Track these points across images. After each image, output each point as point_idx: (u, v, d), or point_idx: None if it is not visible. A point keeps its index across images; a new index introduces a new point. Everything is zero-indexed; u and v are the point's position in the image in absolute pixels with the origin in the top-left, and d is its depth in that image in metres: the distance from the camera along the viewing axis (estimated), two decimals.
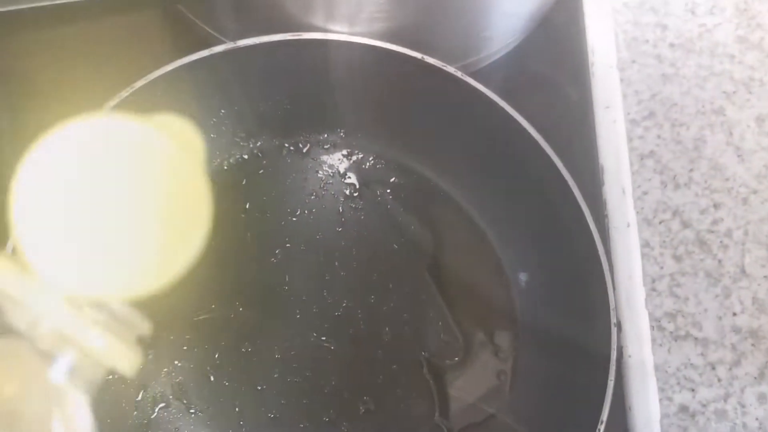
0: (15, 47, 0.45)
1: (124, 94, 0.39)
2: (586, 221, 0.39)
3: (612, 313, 0.37)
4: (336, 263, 0.43)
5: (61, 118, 0.37)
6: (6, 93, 0.45)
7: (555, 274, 0.41)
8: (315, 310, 0.42)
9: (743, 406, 0.41)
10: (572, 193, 0.40)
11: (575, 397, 0.37)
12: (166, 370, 0.40)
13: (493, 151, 0.43)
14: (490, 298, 0.43)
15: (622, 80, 0.49)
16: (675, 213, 0.46)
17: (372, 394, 0.41)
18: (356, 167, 0.46)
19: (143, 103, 0.39)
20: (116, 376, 0.39)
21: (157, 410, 0.40)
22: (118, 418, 0.39)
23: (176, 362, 0.40)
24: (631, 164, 0.46)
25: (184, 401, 0.40)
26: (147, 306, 0.40)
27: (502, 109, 0.41)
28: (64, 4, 0.33)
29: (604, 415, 0.34)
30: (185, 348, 0.41)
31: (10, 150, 0.40)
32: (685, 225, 0.45)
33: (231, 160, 0.45)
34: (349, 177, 0.45)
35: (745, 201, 0.46)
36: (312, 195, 0.45)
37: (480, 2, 0.43)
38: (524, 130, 0.41)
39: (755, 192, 0.46)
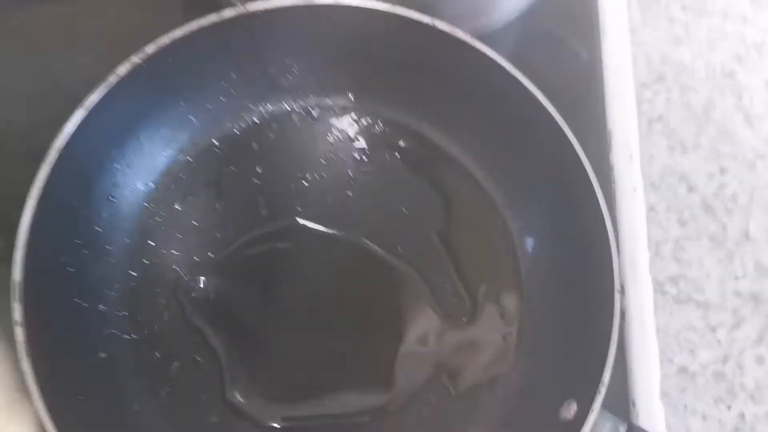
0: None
1: (136, 59, 0.39)
2: (592, 187, 0.39)
3: (616, 279, 0.38)
4: (346, 227, 0.44)
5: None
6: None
7: (561, 239, 0.42)
8: (324, 270, 0.43)
9: (741, 368, 0.42)
10: (579, 158, 0.40)
11: (578, 359, 0.39)
12: (181, 329, 0.42)
13: (502, 116, 0.44)
14: (497, 261, 0.44)
15: (632, 42, 0.49)
16: (681, 177, 0.46)
17: (377, 353, 0.43)
18: (365, 131, 0.46)
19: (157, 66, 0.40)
20: None
21: (173, 367, 0.41)
22: (135, 377, 0.41)
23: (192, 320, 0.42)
24: (639, 128, 0.47)
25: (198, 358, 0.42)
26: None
27: (511, 74, 0.41)
28: None
29: (606, 377, 0.36)
30: (199, 306, 0.42)
31: None
32: (691, 189, 0.46)
33: (242, 124, 0.45)
34: (359, 141, 0.46)
35: (751, 166, 0.46)
36: (322, 159, 0.46)
37: None
38: (532, 95, 0.41)
39: (762, 157, 0.47)
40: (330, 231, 0.44)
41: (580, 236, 0.41)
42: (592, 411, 0.35)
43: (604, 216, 0.39)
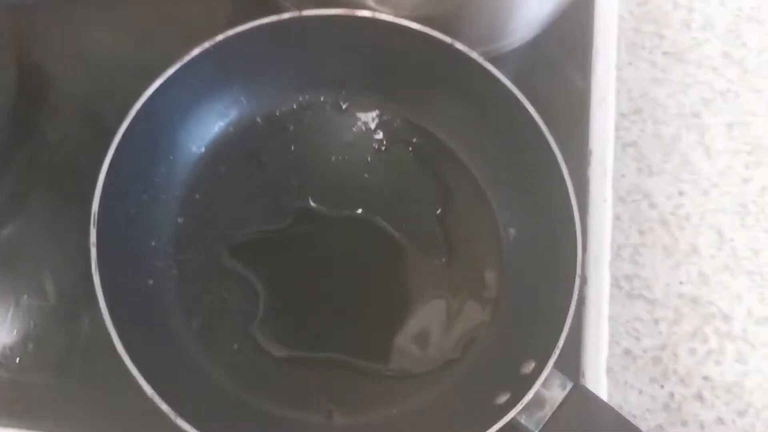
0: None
1: (207, 44, 0.48)
2: (568, 193, 0.47)
3: (578, 267, 0.46)
4: (361, 202, 0.52)
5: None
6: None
7: (538, 231, 0.50)
8: (340, 235, 0.52)
9: (676, 356, 0.51)
10: (560, 169, 0.47)
11: (541, 328, 0.46)
12: (217, 270, 0.50)
13: (501, 126, 0.51)
14: (484, 244, 0.52)
15: (618, 78, 0.57)
16: (645, 195, 0.55)
17: (376, 314, 0.51)
18: (386, 127, 0.54)
19: (223, 52, 0.48)
20: None
21: (205, 300, 0.49)
22: (174, 304, 0.49)
23: (226, 265, 0.50)
24: (615, 151, 0.55)
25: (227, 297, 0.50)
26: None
27: (513, 93, 0.49)
28: None
29: (560, 343, 0.44)
30: (233, 253, 0.50)
31: None
32: (652, 206, 0.54)
33: (283, 108, 0.54)
34: (379, 134, 0.54)
35: (705, 192, 0.55)
36: (347, 145, 0.54)
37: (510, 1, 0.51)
38: (528, 113, 0.48)
39: (716, 186, 0.55)
40: (346, 210, 0.53)
41: (554, 231, 0.48)
42: (546, 368, 0.44)
43: (575, 218, 0.46)
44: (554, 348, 0.44)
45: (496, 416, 0.43)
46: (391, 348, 0.50)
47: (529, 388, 0.43)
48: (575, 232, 0.47)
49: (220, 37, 0.48)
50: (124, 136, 0.45)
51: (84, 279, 0.48)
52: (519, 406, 0.43)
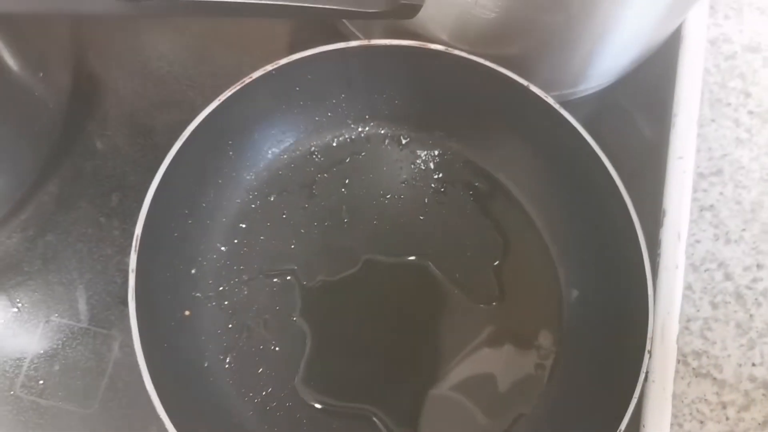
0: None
1: (269, 67, 0.45)
2: (642, 258, 0.43)
3: (648, 341, 0.42)
4: (414, 247, 0.49)
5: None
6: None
7: (603, 296, 0.46)
8: (390, 282, 0.49)
9: None
10: (635, 230, 0.44)
11: (599, 405, 0.43)
12: (256, 307, 0.47)
13: (571, 178, 0.48)
14: (542, 304, 0.48)
15: (698, 135, 0.53)
16: (720, 265, 0.51)
17: (419, 370, 0.48)
18: (447, 167, 0.51)
19: (284, 77, 0.46)
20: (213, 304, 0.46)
21: (243, 337, 0.46)
22: (210, 338, 0.46)
23: (266, 301, 0.47)
24: (691, 213, 0.51)
25: (266, 335, 0.47)
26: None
27: (587, 142, 0.46)
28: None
29: (623, 426, 0.40)
30: (275, 289, 0.48)
31: None
32: (727, 278, 0.50)
33: (340, 139, 0.51)
34: (439, 174, 0.51)
35: None
36: (404, 183, 0.51)
37: (591, 45, 0.48)
38: (604, 165, 0.45)
39: None
40: (398, 255, 0.49)
41: (621, 297, 0.45)
42: None
43: (648, 285, 0.43)
44: (616, 429, 0.40)
45: None
46: (430, 413, 0.46)
47: None
48: (647, 301, 0.43)
49: (283, 61, 0.45)
50: (175, 157, 0.43)
51: (118, 302, 0.47)
52: None
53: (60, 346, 0.46)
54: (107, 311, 0.47)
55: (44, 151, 0.48)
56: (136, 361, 0.39)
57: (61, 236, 0.49)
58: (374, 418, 0.45)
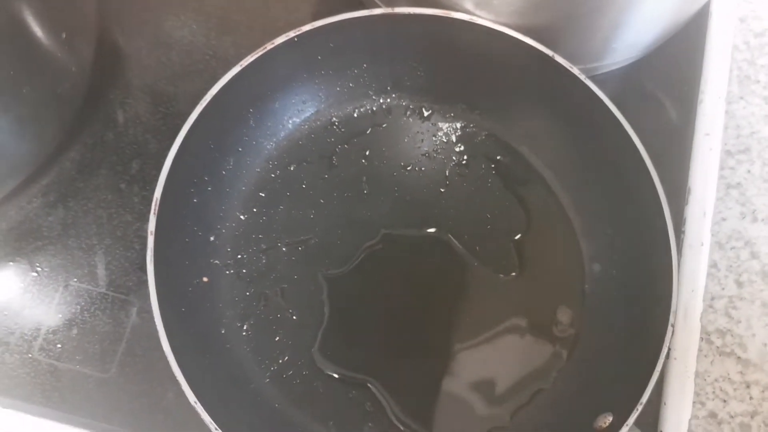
0: None
1: (292, 34, 0.45)
2: (668, 233, 0.42)
3: (671, 315, 0.41)
4: (434, 219, 0.49)
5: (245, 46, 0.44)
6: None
7: (627, 271, 0.46)
8: (410, 254, 0.48)
9: (767, 426, 0.45)
10: (661, 205, 0.43)
11: (621, 378, 0.42)
12: (274, 276, 0.47)
13: (596, 152, 0.47)
14: (565, 278, 0.47)
15: (726, 113, 0.52)
16: (747, 243, 0.50)
17: (438, 342, 0.47)
18: (469, 140, 0.51)
19: (307, 44, 0.45)
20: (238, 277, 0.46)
21: (260, 305, 0.46)
22: (228, 305, 0.46)
23: (284, 270, 0.47)
24: (717, 191, 0.50)
25: (283, 304, 0.46)
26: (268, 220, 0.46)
27: (614, 115, 0.45)
28: None
29: (645, 398, 0.39)
30: (294, 259, 0.47)
31: None
32: (754, 256, 0.49)
33: (361, 110, 0.51)
34: (461, 147, 0.51)
35: None
36: (425, 155, 0.50)
37: (617, 16, 0.47)
38: (630, 139, 0.44)
39: None
40: (418, 227, 0.49)
41: (645, 272, 0.44)
42: (626, 425, 0.39)
43: (673, 261, 0.42)
44: (637, 403, 0.39)
45: None
46: (449, 387, 0.46)
47: None
48: (671, 276, 0.42)
49: (306, 28, 0.45)
50: (195, 122, 0.43)
51: (136, 268, 0.47)
52: None
53: (78, 311, 0.46)
54: (125, 277, 0.47)
55: (67, 117, 0.48)
56: (154, 328, 0.39)
57: (81, 202, 0.49)
58: (383, 392, 0.45)
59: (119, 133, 0.51)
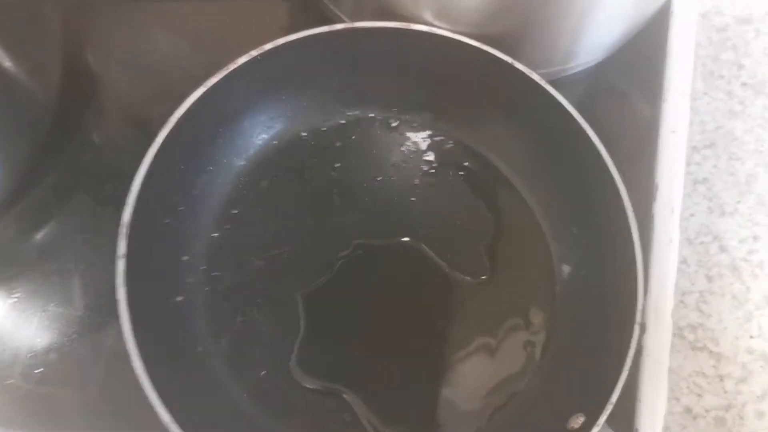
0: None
1: (254, 53, 0.45)
2: (631, 232, 0.43)
3: (638, 314, 0.42)
4: (405, 228, 0.49)
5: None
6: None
7: (594, 271, 0.46)
8: (382, 263, 0.49)
9: (741, 418, 0.46)
10: (623, 206, 0.44)
11: (592, 378, 0.42)
12: (249, 291, 0.47)
13: (560, 155, 0.48)
14: (534, 280, 0.48)
15: (691, 109, 0.53)
16: (715, 238, 0.50)
17: (413, 349, 0.48)
18: (436, 148, 0.51)
19: (270, 62, 0.46)
20: None
21: (237, 321, 0.47)
22: (203, 322, 0.47)
23: (259, 285, 0.48)
24: (684, 187, 0.51)
25: (260, 318, 0.47)
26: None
27: (575, 119, 0.46)
28: None
29: (614, 397, 0.40)
30: (268, 273, 0.48)
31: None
32: (723, 250, 0.50)
33: (330, 123, 0.51)
34: (429, 155, 0.51)
35: None
36: (394, 165, 0.51)
37: (577, 21, 0.48)
38: (590, 140, 0.45)
39: None
40: (390, 236, 0.49)
41: (611, 272, 0.45)
42: (597, 425, 0.40)
43: (637, 259, 0.43)
44: (607, 402, 0.40)
45: None
46: (423, 394, 0.46)
47: None
48: (636, 274, 0.43)
49: (268, 46, 0.45)
50: (163, 143, 0.43)
51: (113, 291, 0.47)
52: None
53: (57, 335, 0.47)
54: (101, 299, 0.48)
55: (37, 143, 0.49)
56: None
57: (57, 227, 0.50)
58: (359, 402, 0.46)
59: (94, 156, 0.52)
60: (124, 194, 0.50)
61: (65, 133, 0.52)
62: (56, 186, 0.51)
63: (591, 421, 0.40)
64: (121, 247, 0.41)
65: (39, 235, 0.49)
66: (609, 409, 0.40)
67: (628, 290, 0.43)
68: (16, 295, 0.48)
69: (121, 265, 0.41)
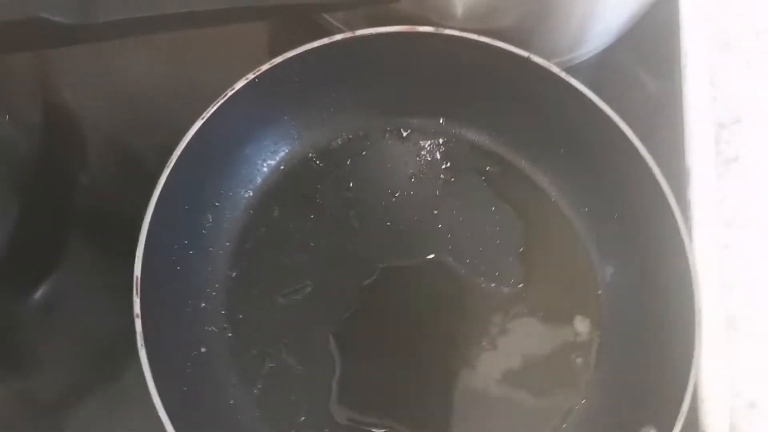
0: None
1: (251, 75, 0.42)
2: (677, 222, 0.41)
3: (697, 312, 0.39)
4: (431, 244, 0.46)
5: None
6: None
7: (640, 269, 0.43)
8: (411, 285, 0.46)
9: None
10: (663, 193, 0.41)
11: (655, 387, 0.40)
12: (275, 331, 0.44)
13: (586, 146, 0.45)
14: (574, 284, 0.45)
15: (712, 84, 0.50)
16: (753, 220, 0.48)
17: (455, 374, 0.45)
18: (454, 154, 0.48)
19: (269, 83, 0.42)
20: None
21: (266, 365, 0.43)
22: (232, 372, 0.43)
23: (284, 323, 0.44)
24: (716, 166, 0.48)
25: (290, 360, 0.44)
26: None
27: (597, 105, 0.43)
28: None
29: (686, 405, 0.37)
30: (292, 310, 0.45)
31: None
32: (763, 231, 0.47)
33: (337, 140, 0.48)
34: (447, 163, 0.48)
35: None
36: (411, 178, 0.48)
37: (586, 8, 0.45)
38: (618, 128, 0.43)
39: None
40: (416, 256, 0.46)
41: (660, 268, 0.42)
42: None
43: (687, 250, 0.40)
44: (679, 411, 0.37)
45: None
46: (474, 420, 0.43)
47: None
48: (688, 266, 0.40)
49: (264, 67, 0.42)
50: (165, 185, 0.40)
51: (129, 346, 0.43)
52: None
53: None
54: (119, 359, 0.44)
55: (26, 194, 0.45)
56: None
57: (59, 284, 0.46)
58: None
59: (87, 200, 0.48)
60: (128, 238, 0.47)
61: (53, 181, 0.48)
62: (51, 238, 0.47)
63: None
64: (137, 305, 0.38)
65: (38, 296, 0.45)
66: (682, 419, 0.37)
67: (681, 286, 0.40)
68: None
69: (139, 325, 0.37)
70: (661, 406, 0.38)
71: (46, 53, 0.51)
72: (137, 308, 0.37)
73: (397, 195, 0.47)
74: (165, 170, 0.40)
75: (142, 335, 0.37)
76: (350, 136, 0.48)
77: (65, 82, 0.51)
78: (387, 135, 0.48)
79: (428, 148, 0.48)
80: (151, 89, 0.50)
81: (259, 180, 0.47)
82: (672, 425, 0.37)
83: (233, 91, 0.42)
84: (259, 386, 0.43)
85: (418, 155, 0.48)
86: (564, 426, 0.43)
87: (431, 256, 0.46)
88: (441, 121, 0.49)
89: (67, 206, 0.48)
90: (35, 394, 0.45)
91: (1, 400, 0.44)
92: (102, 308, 0.46)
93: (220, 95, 0.41)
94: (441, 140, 0.48)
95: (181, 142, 0.40)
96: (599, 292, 0.45)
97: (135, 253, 0.38)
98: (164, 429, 0.36)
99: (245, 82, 0.42)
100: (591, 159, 0.46)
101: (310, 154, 0.48)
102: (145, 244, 0.39)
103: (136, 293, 0.38)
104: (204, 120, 0.41)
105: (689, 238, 0.41)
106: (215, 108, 0.41)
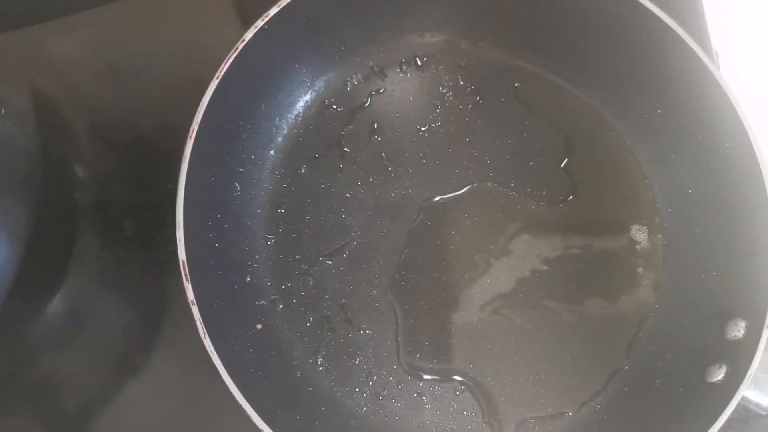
0: None
1: (260, 23, 0.38)
2: (730, 101, 0.38)
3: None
4: (470, 172, 0.44)
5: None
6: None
7: (695, 160, 0.41)
8: (455, 215, 0.43)
9: None
10: (711, 72, 0.39)
11: (736, 275, 0.38)
12: (328, 294, 0.41)
13: (621, 43, 0.42)
14: (626, 191, 0.43)
15: None
16: None
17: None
18: (476, 75, 0.45)
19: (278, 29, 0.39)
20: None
21: (326, 331, 0.41)
22: (292, 344, 0.40)
23: (336, 284, 0.42)
24: None
25: (349, 321, 0.41)
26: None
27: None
28: None
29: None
30: (341, 268, 0.42)
31: None
32: None
33: (353, 81, 0.45)
34: (471, 86, 0.45)
35: None
36: (437, 108, 0.45)
37: None
38: (664, 23, 0.39)
39: None
40: (456, 188, 0.44)
41: (719, 155, 0.40)
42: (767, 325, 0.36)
43: (745, 125, 0.37)
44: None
45: (721, 397, 0.35)
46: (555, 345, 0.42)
47: (751, 354, 0.35)
48: (751, 143, 0.37)
49: (273, 11, 0.38)
50: (191, 158, 0.36)
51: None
52: (747, 380, 0.35)
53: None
54: (164, 353, 0.41)
55: (33, 199, 0.41)
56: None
57: (83, 286, 0.42)
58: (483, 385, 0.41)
59: (94, 194, 0.44)
60: (146, 228, 0.43)
61: (58, 177, 0.43)
62: (68, 238, 0.43)
63: (758, 325, 0.36)
64: (190, 291, 0.34)
65: (59, 304, 0.42)
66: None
67: (744, 161, 0.38)
68: None
69: (196, 312, 0.34)
70: (749, 298, 0.37)
71: (29, 38, 0.46)
72: (191, 294, 0.34)
73: (425, 129, 0.44)
74: (188, 141, 0.36)
75: (201, 323, 0.34)
76: (365, 74, 0.45)
77: (54, 68, 0.46)
78: (403, 66, 0.45)
79: (448, 74, 0.45)
80: (142, 69, 0.46)
81: (279, 138, 0.43)
82: (765, 314, 0.36)
83: (244, 43, 0.38)
84: (324, 353, 0.40)
85: (440, 84, 0.45)
86: (641, 335, 0.41)
87: (474, 185, 0.44)
88: (456, 40, 0.45)
89: (73, 201, 0.44)
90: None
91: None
92: (116, 307, 0.42)
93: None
94: (462, 63, 0.45)
95: (200, 107, 0.36)
96: (650, 194, 0.43)
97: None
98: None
99: (255, 30, 0.38)
100: (626, 54, 0.43)
101: (327, 101, 0.44)
102: (183, 225, 0.35)
103: (186, 279, 0.34)
104: (219, 79, 0.37)
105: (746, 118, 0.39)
106: (228, 64, 0.37)
